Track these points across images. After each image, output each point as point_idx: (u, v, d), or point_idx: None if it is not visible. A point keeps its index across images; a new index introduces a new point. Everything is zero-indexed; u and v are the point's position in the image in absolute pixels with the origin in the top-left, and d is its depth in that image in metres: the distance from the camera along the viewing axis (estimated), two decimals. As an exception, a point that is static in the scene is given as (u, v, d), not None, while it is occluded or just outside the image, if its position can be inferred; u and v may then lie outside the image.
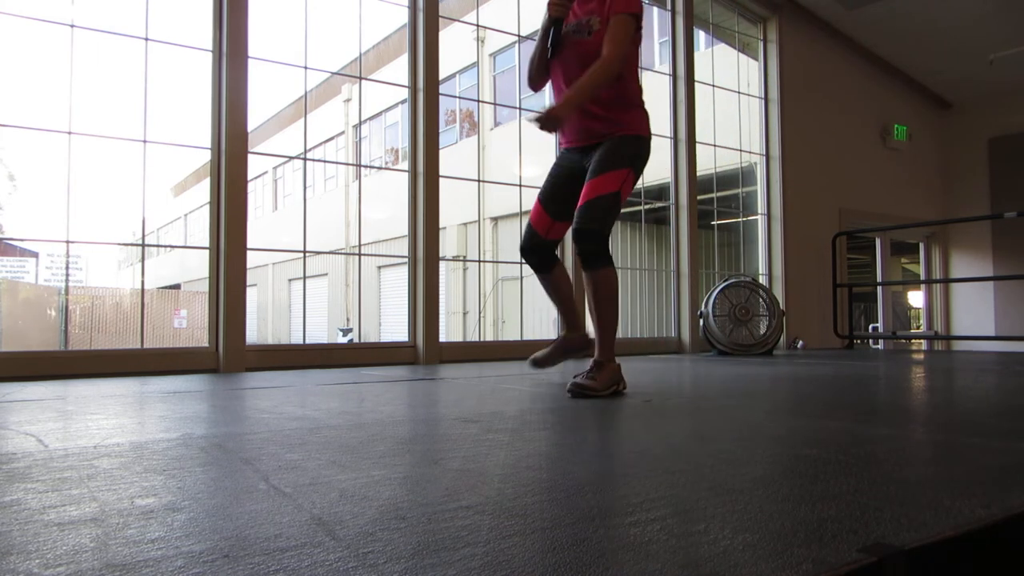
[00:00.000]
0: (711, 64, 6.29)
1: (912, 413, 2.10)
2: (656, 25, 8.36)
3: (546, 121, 2.34)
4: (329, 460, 1.28)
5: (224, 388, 2.79)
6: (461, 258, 13.10)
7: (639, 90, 2.63)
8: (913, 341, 9.61)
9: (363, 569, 0.71)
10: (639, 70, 2.70)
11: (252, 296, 7.62)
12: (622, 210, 2.67)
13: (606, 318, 2.50)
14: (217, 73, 3.87)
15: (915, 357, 5.27)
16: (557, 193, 2.68)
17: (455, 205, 9.51)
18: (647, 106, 2.68)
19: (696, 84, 5.88)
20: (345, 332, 14.10)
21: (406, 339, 4.51)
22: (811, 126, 6.77)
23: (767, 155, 6.52)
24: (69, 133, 3.55)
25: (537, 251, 2.72)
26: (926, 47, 7.22)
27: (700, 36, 6.78)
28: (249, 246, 3.88)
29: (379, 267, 14.92)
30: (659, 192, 6.18)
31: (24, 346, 12.67)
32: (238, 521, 0.89)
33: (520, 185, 5.22)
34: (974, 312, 7.97)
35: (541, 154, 5.26)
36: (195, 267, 13.22)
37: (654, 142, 2.68)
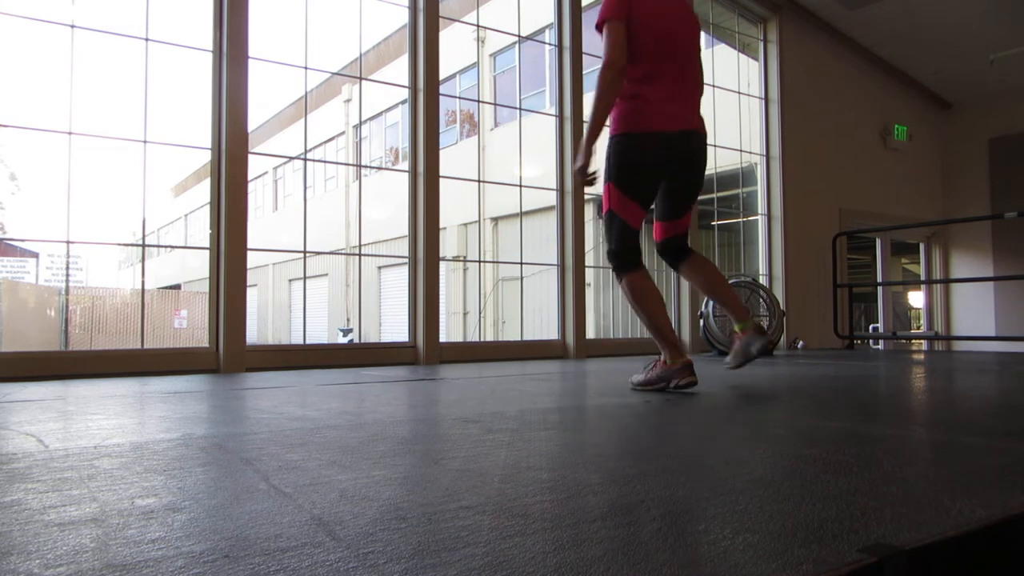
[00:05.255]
0: (711, 64, 6.27)
1: (912, 413, 2.10)
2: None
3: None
4: (329, 460, 1.28)
5: (224, 388, 2.79)
6: (461, 258, 13.10)
7: (632, 81, 2.50)
8: (913, 341, 9.61)
9: (363, 569, 0.71)
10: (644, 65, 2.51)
11: (252, 296, 7.62)
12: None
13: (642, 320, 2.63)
14: (217, 73, 3.87)
15: (915, 357, 5.27)
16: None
17: (455, 205, 9.51)
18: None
19: (696, 84, 5.87)
20: (345, 332, 14.08)
21: (406, 339, 4.51)
22: (811, 126, 6.77)
23: (767, 155, 6.51)
24: (69, 133, 3.55)
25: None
26: (926, 47, 7.22)
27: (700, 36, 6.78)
28: (249, 246, 3.88)
29: (379, 267, 14.91)
30: (659, 192, 6.17)
31: (24, 346, 12.65)
32: (238, 521, 0.89)
33: (520, 185, 5.22)
34: (974, 312, 7.97)
35: (541, 154, 5.27)
36: (195, 267, 13.22)
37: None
